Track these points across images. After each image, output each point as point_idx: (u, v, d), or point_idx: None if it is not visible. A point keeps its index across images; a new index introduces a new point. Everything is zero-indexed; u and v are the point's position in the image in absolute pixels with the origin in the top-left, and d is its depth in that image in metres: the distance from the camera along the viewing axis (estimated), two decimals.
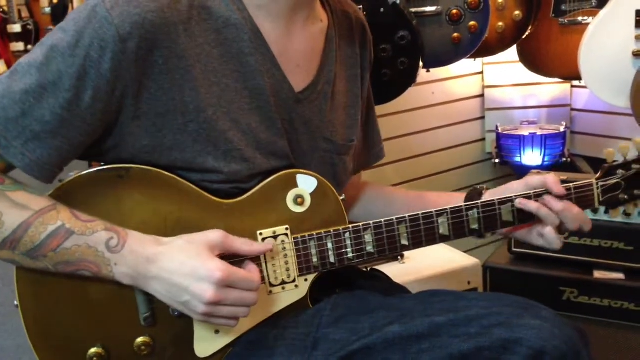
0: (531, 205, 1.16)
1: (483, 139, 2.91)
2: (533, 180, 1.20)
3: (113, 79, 0.98)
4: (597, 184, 1.20)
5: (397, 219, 1.15)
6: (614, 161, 1.23)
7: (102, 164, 1.08)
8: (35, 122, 0.98)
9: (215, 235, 1.03)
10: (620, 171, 1.21)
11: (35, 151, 0.99)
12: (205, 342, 1.09)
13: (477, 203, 1.17)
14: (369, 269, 1.47)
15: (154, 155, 1.06)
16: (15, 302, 1.05)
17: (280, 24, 1.13)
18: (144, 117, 1.03)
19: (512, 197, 1.18)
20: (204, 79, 1.05)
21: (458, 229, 1.17)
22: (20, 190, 1.02)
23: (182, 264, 0.99)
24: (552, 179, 1.17)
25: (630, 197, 1.22)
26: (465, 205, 1.16)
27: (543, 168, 2.51)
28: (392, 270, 1.95)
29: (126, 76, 0.99)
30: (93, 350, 1.07)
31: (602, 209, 1.93)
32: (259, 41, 1.10)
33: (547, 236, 1.18)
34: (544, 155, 2.52)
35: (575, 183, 1.19)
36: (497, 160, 2.67)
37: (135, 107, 1.02)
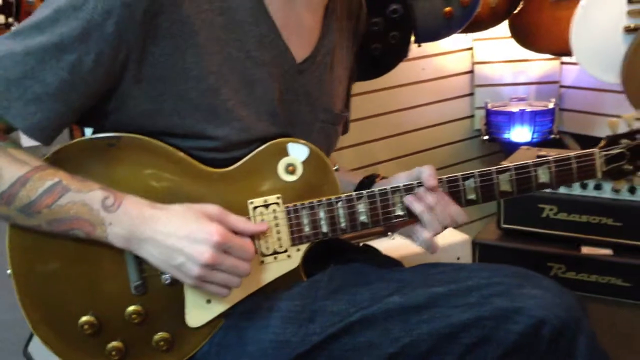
0: (415, 206, 1.12)
1: (472, 116, 2.91)
2: (414, 171, 1.15)
3: (116, 43, 0.97)
4: (599, 153, 1.16)
5: (391, 188, 1.13)
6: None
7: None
8: (37, 84, 0.97)
9: (213, 207, 1.02)
10: (624, 141, 1.16)
11: (36, 113, 0.98)
12: (197, 312, 1.08)
13: (473, 173, 1.14)
14: (361, 244, 1.46)
15: (154, 119, 1.05)
16: (8, 271, 1.04)
17: None
18: (146, 81, 1.02)
19: (510, 166, 1.14)
20: (207, 46, 1.03)
21: (454, 199, 1.14)
22: (21, 149, 1.01)
23: (179, 227, 0.98)
24: (427, 171, 1.12)
25: (636, 167, 1.16)
26: (462, 175, 1.14)
27: (532, 145, 2.51)
28: (382, 245, 1.93)
29: (130, 40, 0.98)
30: (84, 318, 1.06)
31: (592, 184, 1.97)
32: (261, 10, 1.09)
33: (420, 239, 1.15)
34: (533, 132, 2.52)
35: (576, 152, 1.16)
36: (486, 137, 2.67)
37: (137, 70, 1.01)
